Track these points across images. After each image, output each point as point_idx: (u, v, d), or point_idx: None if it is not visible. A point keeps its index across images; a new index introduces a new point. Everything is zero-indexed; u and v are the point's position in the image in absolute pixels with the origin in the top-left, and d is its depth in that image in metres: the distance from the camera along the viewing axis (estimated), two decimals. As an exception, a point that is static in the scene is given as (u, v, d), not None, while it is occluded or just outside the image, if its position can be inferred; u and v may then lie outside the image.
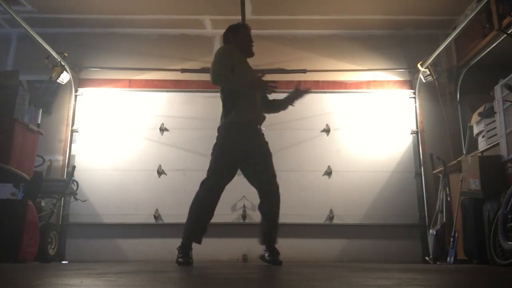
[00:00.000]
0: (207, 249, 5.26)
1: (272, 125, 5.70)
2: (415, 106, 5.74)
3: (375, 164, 5.51)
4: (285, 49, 5.94)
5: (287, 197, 5.40)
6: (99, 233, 5.33)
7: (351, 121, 5.68)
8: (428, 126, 5.64)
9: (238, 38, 3.45)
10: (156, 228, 5.35)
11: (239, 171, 3.34)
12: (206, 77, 5.79)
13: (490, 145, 4.23)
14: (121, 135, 5.64)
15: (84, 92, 5.84)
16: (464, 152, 5.13)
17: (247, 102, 3.28)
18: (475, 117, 4.61)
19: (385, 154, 5.56)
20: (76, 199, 5.00)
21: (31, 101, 4.62)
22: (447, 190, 4.88)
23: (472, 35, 5.19)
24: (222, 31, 3.47)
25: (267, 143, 3.39)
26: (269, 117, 5.76)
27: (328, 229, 5.37)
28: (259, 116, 3.43)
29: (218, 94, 3.41)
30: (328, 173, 5.52)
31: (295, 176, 5.50)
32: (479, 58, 5.14)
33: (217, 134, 3.33)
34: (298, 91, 3.46)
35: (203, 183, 3.21)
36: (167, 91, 5.80)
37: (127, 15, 5.72)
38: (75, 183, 5.03)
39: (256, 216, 5.36)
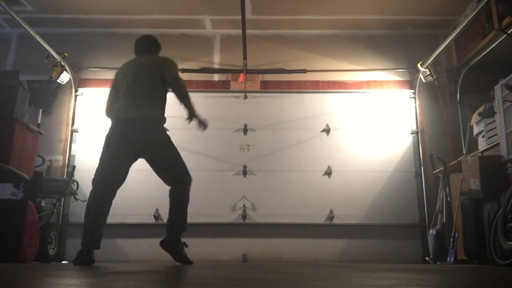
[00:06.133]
0: (207, 249, 5.31)
1: (272, 125, 5.74)
2: (415, 106, 5.74)
3: (375, 164, 5.51)
4: (285, 49, 5.94)
5: (287, 197, 5.51)
6: (99, 233, 5.32)
7: (351, 121, 5.68)
8: (428, 126, 5.64)
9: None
10: (156, 228, 5.33)
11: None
12: (206, 77, 5.86)
13: (490, 145, 4.23)
14: (121, 135, 5.62)
15: (84, 92, 5.84)
16: (464, 152, 5.13)
17: None
18: (475, 117, 4.61)
19: (385, 154, 5.56)
20: (76, 199, 4.99)
21: (31, 101, 4.62)
22: (447, 190, 4.88)
23: (472, 35, 5.19)
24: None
25: None
26: (269, 118, 5.85)
27: (328, 229, 5.37)
28: None
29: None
30: (328, 173, 5.52)
31: (295, 176, 5.50)
32: (479, 58, 5.14)
33: (157, 128, 3.49)
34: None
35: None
36: (166, 91, 5.79)
37: (127, 15, 5.72)
38: (75, 183, 5.03)
39: (256, 216, 5.39)
